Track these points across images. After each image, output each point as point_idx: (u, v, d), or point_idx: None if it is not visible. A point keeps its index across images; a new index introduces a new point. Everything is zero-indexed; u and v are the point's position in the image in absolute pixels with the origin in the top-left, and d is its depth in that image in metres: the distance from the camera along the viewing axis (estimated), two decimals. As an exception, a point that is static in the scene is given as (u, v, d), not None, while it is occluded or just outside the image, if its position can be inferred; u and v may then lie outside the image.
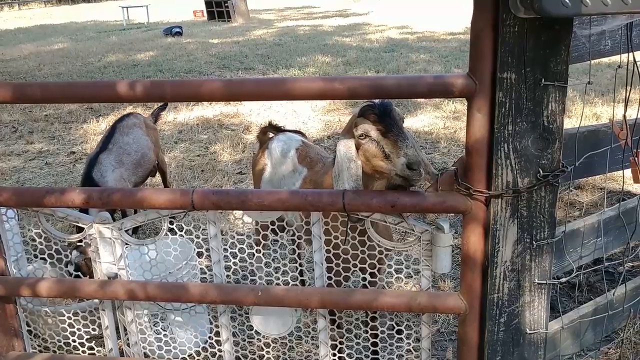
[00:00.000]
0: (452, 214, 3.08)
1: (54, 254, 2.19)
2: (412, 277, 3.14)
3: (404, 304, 1.89)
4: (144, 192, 1.96)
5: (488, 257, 1.77)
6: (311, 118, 7.01)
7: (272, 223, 2.02)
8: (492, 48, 1.59)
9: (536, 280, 1.77)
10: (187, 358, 2.32)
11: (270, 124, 3.16)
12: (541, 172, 1.66)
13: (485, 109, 1.65)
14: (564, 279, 1.87)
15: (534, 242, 1.73)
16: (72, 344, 2.32)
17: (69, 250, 2.86)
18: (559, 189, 1.72)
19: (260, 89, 1.74)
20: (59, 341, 2.39)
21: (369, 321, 2.18)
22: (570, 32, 1.54)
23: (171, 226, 2.05)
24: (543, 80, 1.58)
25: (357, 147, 1.94)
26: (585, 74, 7.75)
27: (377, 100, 1.91)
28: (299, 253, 3.13)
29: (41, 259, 2.44)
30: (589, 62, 1.69)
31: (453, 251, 1.91)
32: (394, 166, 1.84)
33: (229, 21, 19.82)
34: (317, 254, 1.99)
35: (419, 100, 7.28)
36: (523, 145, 1.64)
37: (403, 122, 1.93)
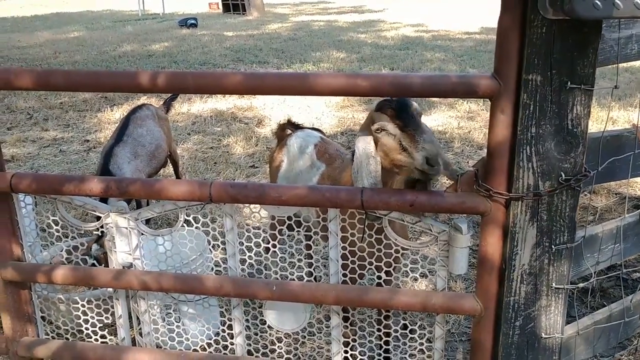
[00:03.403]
0: (468, 215, 3.07)
1: (70, 241, 2.20)
2: (426, 276, 3.13)
3: (419, 303, 1.88)
4: (162, 183, 1.97)
5: (506, 260, 1.76)
6: (325, 114, 6.99)
7: (289, 218, 2.02)
8: (518, 49, 1.57)
9: (554, 284, 1.76)
10: (199, 350, 2.33)
11: (289, 121, 3.16)
12: (563, 175, 1.64)
13: (508, 111, 1.63)
14: (581, 285, 1.85)
15: (553, 246, 1.72)
16: (85, 331, 2.34)
17: (90, 244, 2.87)
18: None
19: (283, 83, 1.74)
20: (72, 328, 2.40)
21: (383, 320, 2.18)
22: (599, 35, 1.53)
23: (188, 218, 2.05)
24: (569, 83, 1.56)
25: (375, 142, 1.93)
26: (602, 77, 7.68)
27: None
28: (313, 249, 3.13)
29: (57, 246, 2.46)
30: (616, 66, 1.67)
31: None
32: (413, 159, 1.81)
33: (244, 14, 19.81)
34: (333, 251, 1.99)
35: (433, 99, 7.24)
36: (546, 148, 1.63)
37: (421, 116, 1.90)
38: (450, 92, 1.67)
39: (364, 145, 1.93)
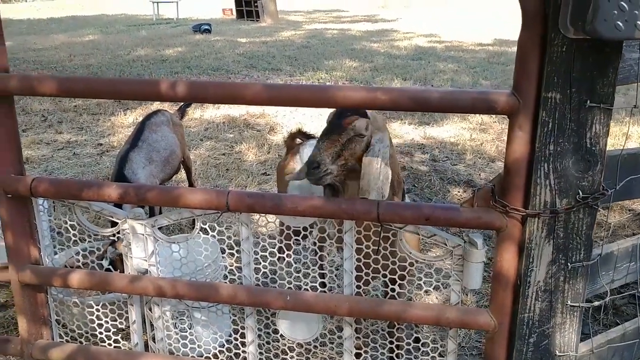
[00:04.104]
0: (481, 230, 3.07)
1: (86, 245, 2.22)
2: (438, 289, 3.12)
3: (433, 317, 1.88)
4: (180, 191, 1.99)
5: (521, 276, 1.76)
6: (337, 122, 7.00)
7: (305, 229, 2.03)
8: (538, 67, 1.58)
9: (569, 302, 1.75)
10: (211, 357, 2.34)
11: (299, 130, 3.17)
12: (581, 193, 1.65)
13: (526, 128, 1.64)
14: (597, 303, 1.85)
15: (568, 264, 1.72)
16: (99, 335, 2.36)
17: (105, 248, 2.89)
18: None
19: (303, 95, 1.75)
20: (86, 332, 2.42)
21: (395, 332, 2.18)
22: (620, 55, 1.53)
23: (204, 226, 2.07)
24: (588, 101, 1.57)
25: None
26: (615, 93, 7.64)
27: None
28: (326, 260, 3.13)
29: (71, 249, 2.48)
30: (636, 85, 1.67)
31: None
32: None
33: (257, 21, 19.93)
34: (348, 262, 1.99)
35: (445, 110, 7.22)
36: (564, 165, 1.63)
37: (359, 135, 1.93)
38: (469, 107, 1.68)
39: None
